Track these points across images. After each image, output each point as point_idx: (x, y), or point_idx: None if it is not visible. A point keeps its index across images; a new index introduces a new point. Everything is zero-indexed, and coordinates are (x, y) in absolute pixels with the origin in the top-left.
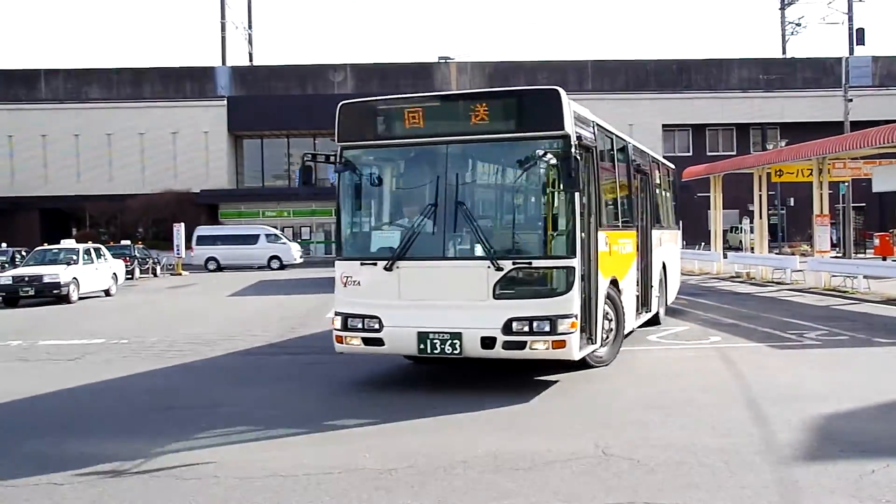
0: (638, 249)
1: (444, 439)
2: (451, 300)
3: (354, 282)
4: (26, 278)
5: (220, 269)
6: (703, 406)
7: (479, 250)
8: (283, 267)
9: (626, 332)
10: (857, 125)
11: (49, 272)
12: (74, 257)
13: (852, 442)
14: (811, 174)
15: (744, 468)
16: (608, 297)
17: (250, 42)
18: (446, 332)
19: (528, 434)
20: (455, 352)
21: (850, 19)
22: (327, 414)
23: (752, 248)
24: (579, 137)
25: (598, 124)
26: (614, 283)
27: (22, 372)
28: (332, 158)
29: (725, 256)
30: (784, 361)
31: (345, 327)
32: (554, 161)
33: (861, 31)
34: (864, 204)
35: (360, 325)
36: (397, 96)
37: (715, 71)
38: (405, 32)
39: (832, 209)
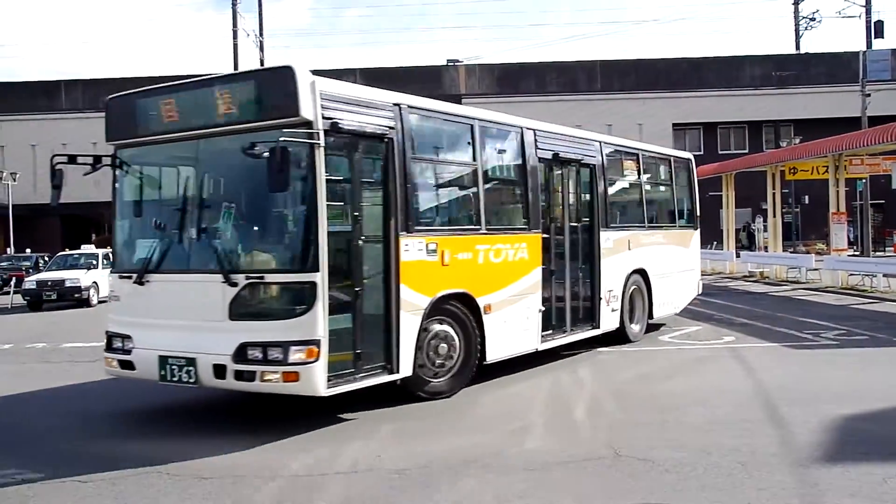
0: (548, 257)
1: (456, 440)
2: (190, 319)
3: (116, 297)
4: (49, 283)
5: None
6: (717, 406)
7: (214, 263)
8: None
9: (518, 352)
10: (874, 121)
11: (70, 276)
12: (94, 262)
13: (874, 443)
14: (826, 171)
15: (761, 469)
16: (451, 318)
17: (261, 49)
18: (182, 358)
19: (540, 434)
20: (191, 380)
21: (868, 12)
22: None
23: (766, 247)
24: (336, 124)
25: (413, 106)
26: (466, 300)
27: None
28: (92, 159)
29: (738, 255)
30: (801, 361)
31: (108, 347)
32: (293, 154)
33: (880, 24)
34: (882, 201)
35: (118, 346)
36: (153, 87)
37: (726, 69)
38: (413, 36)
39: (849, 207)
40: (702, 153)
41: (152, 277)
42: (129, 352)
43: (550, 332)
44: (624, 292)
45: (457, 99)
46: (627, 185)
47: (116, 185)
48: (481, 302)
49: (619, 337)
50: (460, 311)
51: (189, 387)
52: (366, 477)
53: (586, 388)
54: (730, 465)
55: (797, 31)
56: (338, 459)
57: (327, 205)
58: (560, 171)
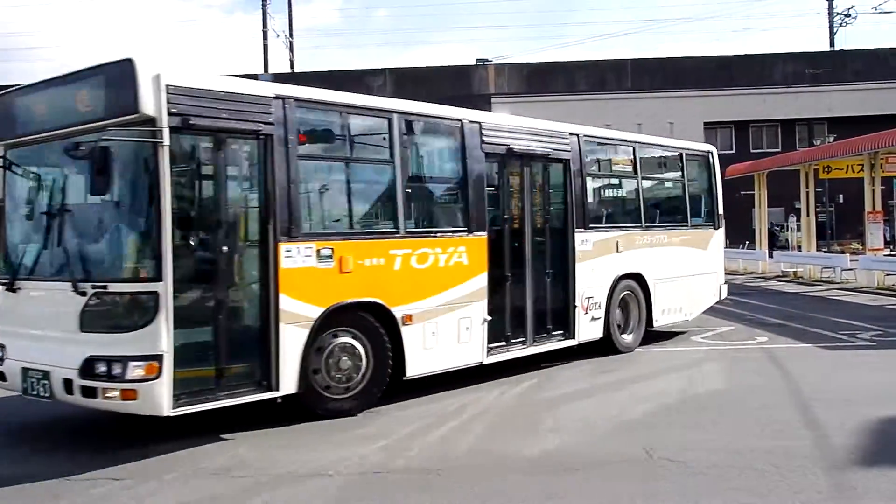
0: (498, 261)
1: (489, 440)
2: (48, 330)
3: None
4: None
5: None
6: (751, 408)
7: (67, 271)
8: None
9: (452, 366)
10: None
11: None
12: None
13: None
14: (862, 170)
15: (796, 472)
16: (358, 330)
17: (291, 49)
18: (39, 370)
19: (572, 435)
20: (46, 394)
21: None
22: None
23: (800, 247)
24: (188, 120)
25: (303, 98)
26: (377, 310)
27: None
28: None
29: (771, 256)
30: (836, 362)
31: None
32: (133, 154)
33: None
34: None
35: None
36: (30, 83)
37: (758, 66)
38: (442, 36)
39: (885, 206)
40: (733, 152)
41: (23, 285)
42: (1, 361)
43: (503, 343)
44: (611, 299)
45: (486, 98)
46: (618, 182)
47: (5, 185)
48: (398, 312)
49: (605, 347)
50: (370, 322)
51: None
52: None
53: (617, 389)
54: (764, 468)
55: (831, 27)
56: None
57: (185, 209)
58: (518, 168)
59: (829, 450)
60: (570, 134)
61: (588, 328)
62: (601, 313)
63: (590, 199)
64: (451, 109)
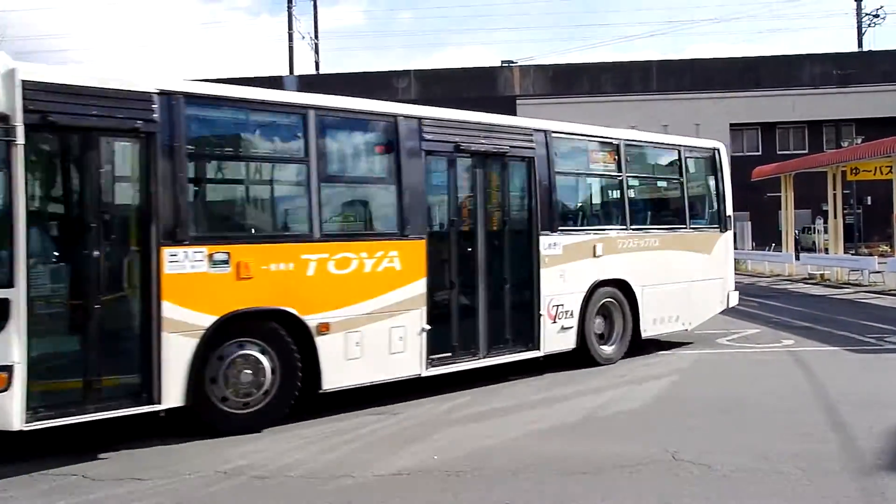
0: (443, 267)
1: (511, 442)
2: None
3: None
4: None
5: None
6: (776, 411)
7: None
8: None
9: (382, 379)
10: None
11: None
12: None
13: None
14: (890, 172)
15: (823, 476)
16: (264, 341)
17: (316, 51)
18: None
19: (596, 437)
20: None
21: None
22: None
23: (826, 249)
24: (47, 117)
25: (194, 94)
26: (286, 318)
27: None
28: None
29: (797, 258)
30: (863, 366)
31: None
32: None
33: None
34: None
35: None
36: None
37: (785, 67)
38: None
39: None
40: (760, 153)
41: None
42: None
43: (448, 355)
44: (586, 307)
45: (511, 100)
46: (598, 182)
47: None
48: (313, 321)
49: (582, 359)
50: (278, 331)
51: None
52: None
53: (640, 390)
54: (790, 471)
55: (860, 28)
56: None
57: (47, 212)
58: (471, 167)
59: (856, 454)
60: (536, 130)
61: (557, 338)
62: (573, 322)
63: (561, 200)
64: (382, 104)
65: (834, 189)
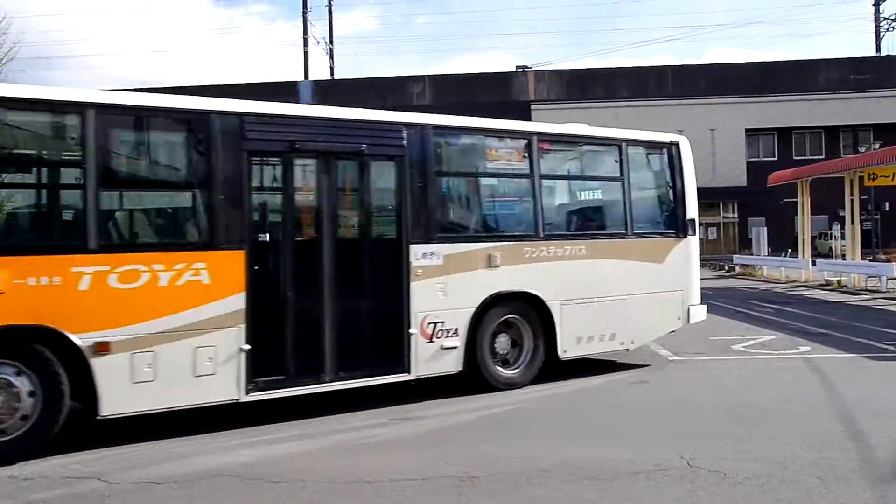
0: (270, 279)
1: (526, 448)
2: None
3: None
4: None
5: None
6: (793, 418)
7: None
8: None
9: (185, 404)
10: None
11: None
12: None
13: None
14: None
15: (840, 484)
16: (22, 363)
17: (331, 56)
18: None
19: (610, 443)
20: None
21: None
22: None
23: (843, 255)
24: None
25: None
26: (52, 338)
27: None
28: None
29: (814, 264)
30: (881, 374)
31: None
32: None
33: None
34: None
35: None
36: None
37: (801, 72)
38: (482, 43)
39: None
40: (776, 159)
41: None
42: None
43: (280, 378)
44: (478, 324)
45: (526, 105)
46: (499, 182)
47: None
48: (87, 340)
49: (478, 382)
50: (40, 351)
51: None
52: None
53: (656, 397)
54: (807, 479)
55: (877, 32)
56: None
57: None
58: (316, 169)
59: (874, 462)
60: (409, 126)
61: (435, 360)
62: (458, 342)
63: (444, 204)
64: (191, 100)
65: (851, 195)
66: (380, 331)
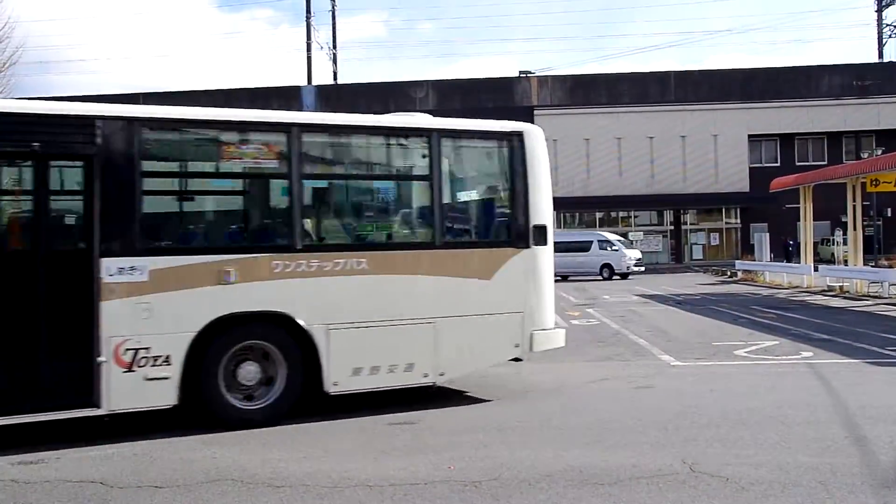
0: None
1: (528, 452)
2: None
3: None
4: None
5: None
6: (795, 423)
7: None
8: (612, 276)
9: None
10: None
11: None
12: None
13: None
14: None
15: (843, 490)
16: None
17: (334, 61)
18: None
19: (613, 449)
20: None
21: None
22: None
23: (846, 261)
24: None
25: None
26: None
27: None
28: None
29: (816, 269)
30: (884, 379)
31: None
32: None
33: None
34: None
35: None
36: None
37: (804, 78)
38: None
39: None
40: (779, 165)
41: None
42: None
43: None
44: (206, 350)
45: (529, 110)
46: (237, 184)
47: None
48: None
49: (205, 415)
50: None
51: None
52: None
53: (659, 402)
54: (809, 485)
55: (880, 39)
56: None
57: None
58: None
59: (877, 467)
60: (107, 118)
61: (138, 392)
62: (171, 371)
63: (157, 210)
64: None
65: (853, 200)
66: (61, 359)
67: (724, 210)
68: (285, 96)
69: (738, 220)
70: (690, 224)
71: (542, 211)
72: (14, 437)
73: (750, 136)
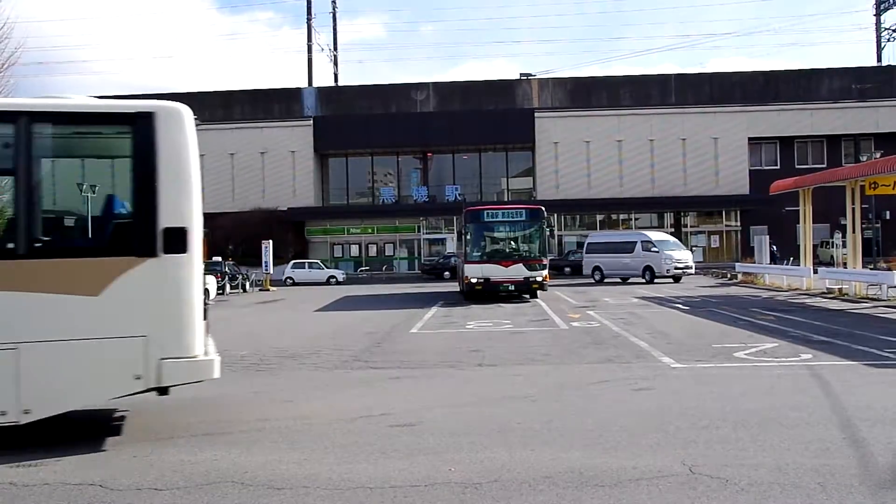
0: None
1: (529, 454)
2: None
3: None
4: None
5: (602, 279)
6: (794, 425)
7: None
8: (653, 279)
9: None
10: None
11: None
12: None
13: None
14: None
15: (841, 491)
16: None
17: (335, 63)
18: None
19: (613, 450)
20: None
21: None
22: None
23: (845, 264)
24: None
25: None
26: None
27: None
28: None
29: (815, 272)
30: (882, 380)
31: None
32: None
33: None
34: None
35: None
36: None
37: (804, 81)
38: (487, 51)
39: None
40: (778, 167)
41: None
42: None
43: None
44: None
45: (529, 113)
46: None
47: None
48: None
49: None
50: None
51: None
52: None
53: (658, 404)
54: (808, 486)
55: (878, 42)
56: None
57: None
58: None
59: (875, 469)
60: None
61: None
62: None
63: None
64: None
65: (853, 203)
66: None
67: (724, 212)
68: (286, 98)
69: (738, 223)
70: (691, 226)
71: (181, 211)
72: (12, 441)
73: (750, 138)
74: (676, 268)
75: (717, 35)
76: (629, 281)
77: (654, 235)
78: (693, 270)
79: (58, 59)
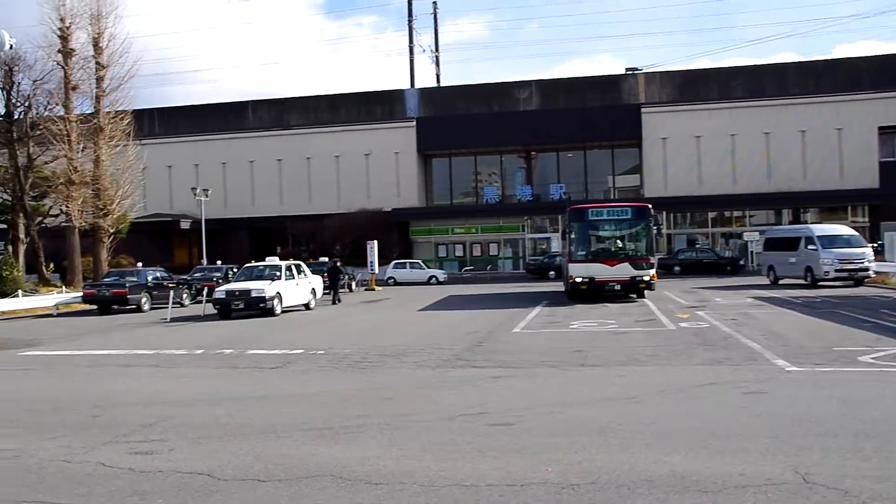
0: None
1: (629, 456)
2: None
3: None
4: (237, 293)
5: (776, 280)
6: None
7: None
8: (815, 283)
9: None
10: None
11: (256, 287)
12: (278, 273)
13: None
14: None
15: None
16: None
17: (437, 64)
18: None
19: (719, 455)
20: None
21: None
22: None
23: None
24: None
25: None
26: None
27: (233, 378)
28: None
29: None
30: None
31: None
32: None
33: None
34: None
35: None
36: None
37: None
38: (593, 46)
39: None
40: None
41: None
42: None
43: None
44: None
45: (636, 108)
46: None
47: None
48: None
49: None
50: None
51: None
52: None
53: (772, 408)
54: None
55: None
56: None
57: None
58: None
59: None
60: None
61: None
62: None
63: None
64: None
65: None
66: None
67: (849, 208)
68: (389, 100)
69: (867, 219)
70: (812, 223)
71: None
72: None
73: (880, 128)
74: (840, 269)
75: (841, 18)
76: (794, 284)
77: (822, 228)
78: (872, 273)
79: (169, 69)
